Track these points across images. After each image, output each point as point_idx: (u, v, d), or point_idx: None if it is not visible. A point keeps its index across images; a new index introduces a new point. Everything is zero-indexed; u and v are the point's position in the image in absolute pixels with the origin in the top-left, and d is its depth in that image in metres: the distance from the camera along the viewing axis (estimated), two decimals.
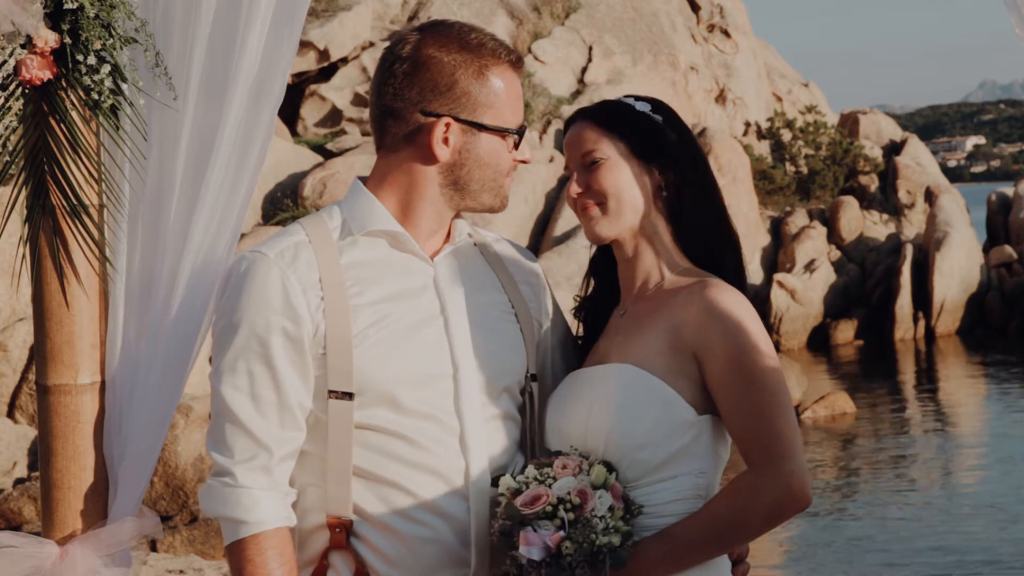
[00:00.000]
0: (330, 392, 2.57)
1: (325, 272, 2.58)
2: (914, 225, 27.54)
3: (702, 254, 2.74)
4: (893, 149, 30.40)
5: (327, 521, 2.60)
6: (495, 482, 2.61)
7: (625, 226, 2.73)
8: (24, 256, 2.62)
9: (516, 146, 2.68)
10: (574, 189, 2.73)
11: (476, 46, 2.64)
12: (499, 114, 2.64)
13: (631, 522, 2.54)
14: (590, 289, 2.90)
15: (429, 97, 2.62)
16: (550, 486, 2.53)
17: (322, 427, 2.60)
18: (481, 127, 2.63)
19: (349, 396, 2.57)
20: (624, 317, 2.74)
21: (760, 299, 24.36)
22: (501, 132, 2.65)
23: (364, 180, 2.73)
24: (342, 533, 2.59)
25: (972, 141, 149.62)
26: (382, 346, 2.58)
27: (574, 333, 2.93)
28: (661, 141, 2.73)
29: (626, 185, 2.71)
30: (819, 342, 24.59)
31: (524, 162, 2.73)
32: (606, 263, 2.86)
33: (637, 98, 2.79)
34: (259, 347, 2.55)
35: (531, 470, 2.57)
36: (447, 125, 2.62)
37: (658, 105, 2.78)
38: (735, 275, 2.74)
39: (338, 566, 2.61)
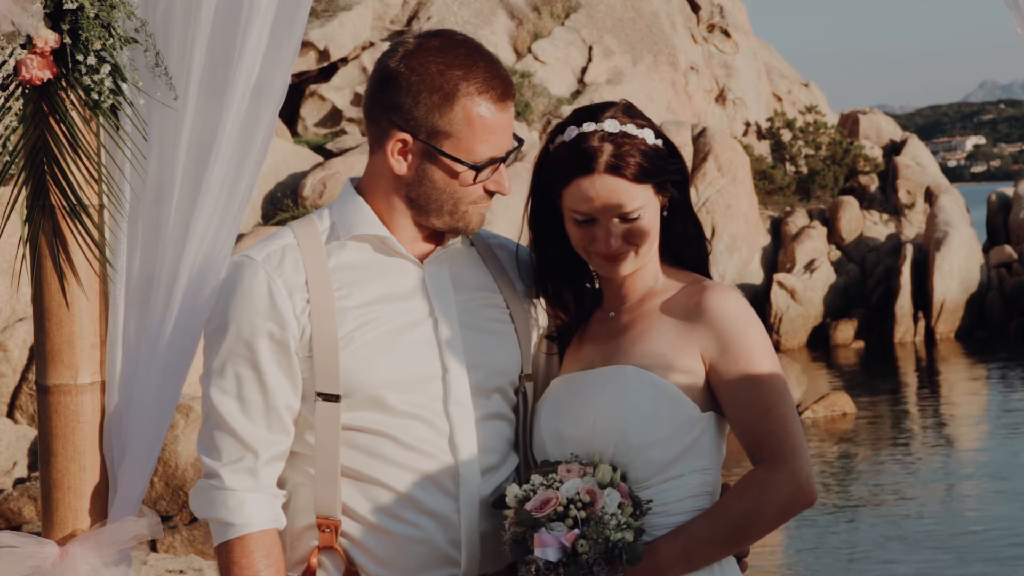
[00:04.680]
0: (317, 394, 2.59)
1: (312, 275, 2.60)
2: (914, 225, 27.53)
3: (686, 255, 2.78)
4: (893, 149, 30.40)
5: (316, 521, 2.62)
6: (498, 503, 2.62)
7: (648, 257, 2.73)
8: (24, 256, 2.62)
9: (476, 180, 2.63)
10: (614, 243, 2.66)
11: (458, 74, 2.60)
12: (461, 145, 2.61)
13: (641, 519, 2.56)
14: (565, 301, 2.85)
15: (394, 109, 2.62)
16: (557, 489, 2.54)
17: (310, 428, 2.61)
18: (436, 152, 2.62)
19: (336, 398, 2.58)
20: (615, 321, 2.75)
21: (760, 299, 24.36)
22: (456, 163, 2.62)
23: (357, 181, 2.74)
24: (331, 533, 2.61)
25: (972, 141, 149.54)
26: (369, 348, 2.59)
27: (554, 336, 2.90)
28: (673, 168, 2.72)
29: (655, 223, 2.71)
30: (819, 342, 24.57)
31: (499, 193, 2.69)
32: (568, 274, 2.83)
33: (632, 122, 2.70)
34: (246, 350, 2.57)
35: (536, 478, 2.59)
36: (403, 141, 2.62)
37: (643, 119, 2.72)
38: (706, 269, 2.80)
39: (328, 566, 2.63)
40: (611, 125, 2.66)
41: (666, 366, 2.64)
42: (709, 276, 2.79)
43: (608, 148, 2.64)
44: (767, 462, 2.60)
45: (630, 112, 2.72)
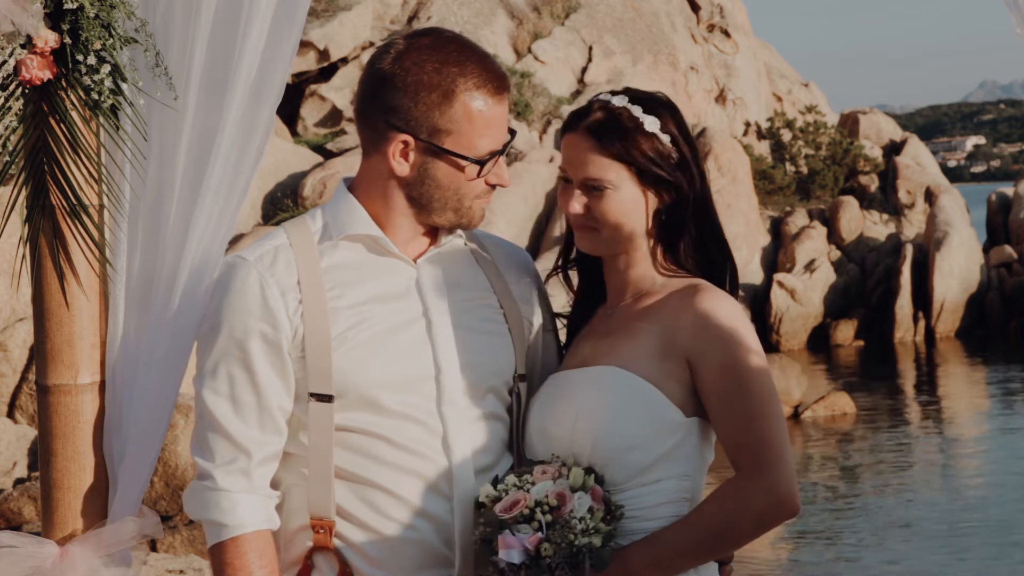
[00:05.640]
0: (310, 394, 2.59)
1: (304, 275, 2.59)
2: (914, 225, 27.54)
3: (697, 266, 2.71)
4: (893, 149, 30.41)
5: (310, 522, 2.62)
6: (478, 503, 2.62)
7: (619, 247, 2.70)
8: (24, 256, 2.62)
9: (479, 174, 2.64)
10: (574, 207, 2.67)
11: (454, 70, 2.60)
12: (462, 140, 2.61)
13: (613, 523, 2.54)
14: (577, 288, 2.87)
15: (392, 112, 2.61)
16: (528, 491, 2.54)
17: (304, 429, 2.61)
18: (439, 150, 2.62)
19: (329, 399, 2.58)
20: (611, 318, 2.74)
21: (760, 299, 24.37)
22: (459, 159, 2.62)
23: (350, 181, 2.74)
24: (325, 534, 2.61)
25: (972, 141, 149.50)
26: (362, 349, 2.59)
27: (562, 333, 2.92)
28: (667, 168, 2.66)
29: (628, 212, 2.66)
30: (819, 342, 24.58)
31: (500, 185, 2.69)
32: (587, 262, 2.84)
33: (644, 105, 2.68)
34: (238, 351, 2.57)
35: (511, 478, 2.58)
36: (404, 143, 2.62)
37: (663, 114, 2.69)
38: (727, 280, 2.73)
39: (322, 567, 2.63)
40: (619, 100, 2.68)
41: (650, 368, 2.60)
42: (724, 285, 2.71)
43: (599, 115, 2.67)
44: (747, 471, 2.54)
45: (657, 102, 2.69)
